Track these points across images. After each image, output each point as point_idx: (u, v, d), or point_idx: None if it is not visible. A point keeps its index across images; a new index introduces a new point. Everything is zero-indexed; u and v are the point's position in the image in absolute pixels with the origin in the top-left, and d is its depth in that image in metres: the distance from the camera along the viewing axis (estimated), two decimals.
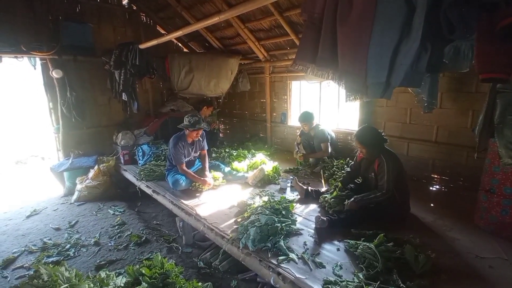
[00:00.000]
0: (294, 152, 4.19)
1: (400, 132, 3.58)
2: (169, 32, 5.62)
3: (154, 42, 3.59)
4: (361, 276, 1.71)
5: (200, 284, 1.80)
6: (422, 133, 3.40)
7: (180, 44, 5.95)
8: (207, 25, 3.37)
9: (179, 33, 3.25)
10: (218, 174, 3.48)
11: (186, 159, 3.45)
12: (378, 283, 1.64)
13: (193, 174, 3.39)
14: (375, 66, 1.25)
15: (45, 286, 1.23)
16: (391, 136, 3.62)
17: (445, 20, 1.16)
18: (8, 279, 2.63)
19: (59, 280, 1.29)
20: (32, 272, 2.61)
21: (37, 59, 4.37)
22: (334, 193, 2.68)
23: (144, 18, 5.34)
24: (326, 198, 2.69)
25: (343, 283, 1.67)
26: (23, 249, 3.08)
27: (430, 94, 2.66)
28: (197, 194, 3.22)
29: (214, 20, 2.83)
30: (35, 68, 4.43)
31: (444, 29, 1.19)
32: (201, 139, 3.61)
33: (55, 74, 4.30)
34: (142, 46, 3.86)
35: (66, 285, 1.32)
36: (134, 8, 5.18)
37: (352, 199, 2.43)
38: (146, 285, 1.53)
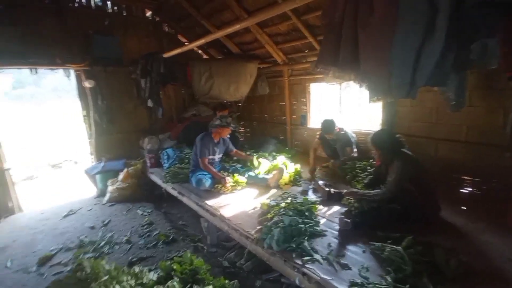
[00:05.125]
0: (329, 162, 3.96)
1: (427, 133, 3.46)
2: (190, 40, 5.85)
3: (177, 51, 3.77)
4: (389, 279, 1.69)
5: (227, 281, 1.87)
6: (451, 133, 3.27)
7: (200, 51, 6.15)
8: (228, 33, 3.48)
9: (201, 42, 3.40)
10: (242, 179, 3.56)
11: (209, 157, 3.61)
12: (408, 286, 1.61)
13: (215, 171, 3.55)
14: (399, 67, 1.26)
15: (87, 278, 1.36)
16: (417, 136, 3.53)
17: (468, 20, 1.15)
18: (45, 276, 2.78)
19: (100, 272, 1.41)
20: (69, 269, 2.84)
21: (71, 71, 4.72)
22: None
23: (167, 28, 5.60)
24: (350, 201, 2.68)
25: (370, 285, 1.67)
26: (60, 246, 3.31)
27: (458, 92, 2.55)
28: (220, 196, 3.32)
29: (235, 28, 2.94)
30: (69, 79, 4.80)
31: (467, 29, 1.17)
32: (226, 141, 3.78)
33: (88, 84, 4.63)
34: (166, 55, 4.06)
35: (107, 276, 1.44)
36: (157, 19, 5.45)
37: (354, 189, 2.44)
38: (178, 279, 1.63)
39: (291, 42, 4.56)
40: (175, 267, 1.71)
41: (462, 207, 2.73)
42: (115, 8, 4.94)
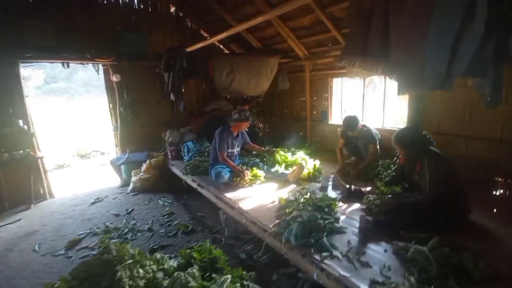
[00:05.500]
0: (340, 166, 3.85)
1: (458, 130, 3.27)
2: (212, 35, 5.90)
3: (200, 45, 3.82)
4: (412, 279, 1.63)
5: (244, 272, 1.89)
6: (484, 131, 3.07)
7: (221, 46, 6.20)
8: (249, 26, 3.47)
9: (223, 35, 3.42)
10: (260, 173, 3.57)
11: (228, 150, 3.67)
12: (432, 287, 1.55)
13: (233, 164, 3.60)
14: (434, 56, 1.18)
15: (114, 260, 1.43)
16: (447, 134, 3.34)
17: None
18: (72, 259, 2.94)
19: (125, 256, 1.48)
20: (95, 252, 2.99)
21: (100, 65, 4.95)
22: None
23: (189, 23, 5.69)
24: (370, 199, 2.60)
25: (392, 284, 1.61)
26: (88, 231, 3.51)
27: (494, 87, 2.37)
28: (238, 190, 3.35)
29: (257, 20, 2.92)
30: (98, 73, 5.03)
31: (509, 15, 1.08)
32: (244, 135, 3.86)
33: (115, 78, 4.83)
34: (189, 49, 4.13)
35: (131, 260, 1.51)
36: (181, 14, 5.55)
37: (390, 196, 2.33)
38: (197, 267, 1.67)
39: (313, 36, 4.47)
40: (195, 255, 1.76)
41: (494, 210, 2.56)
42: (142, 5, 5.09)
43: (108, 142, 9.62)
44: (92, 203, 4.43)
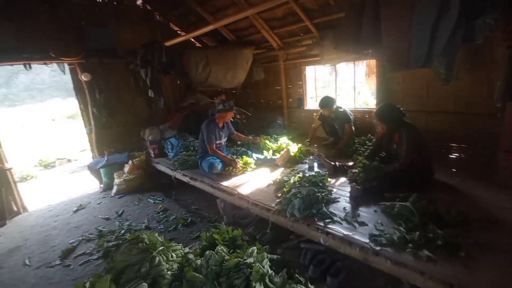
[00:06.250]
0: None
1: (419, 106, 3.77)
2: (183, 28, 5.81)
3: (178, 40, 3.81)
4: (402, 229, 1.97)
5: (260, 246, 2.08)
6: (440, 105, 3.59)
7: (193, 40, 6.12)
8: (230, 22, 3.55)
9: (203, 30, 3.45)
10: (251, 160, 3.75)
11: (216, 141, 3.76)
12: (418, 233, 1.89)
13: (224, 154, 3.71)
14: (417, 40, 1.47)
15: (148, 247, 1.52)
16: (409, 111, 3.77)
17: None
18: (72, 267, 2.87)
19: (157, 243, 1.58)
20: (95, 257, 2.96)
21: (66, 64, 4.63)
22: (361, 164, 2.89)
23: (159, 16, 5.52)
24: (355, 171, 2.92)
25: (387, 235, 1.94)
26: (80, 238, 3.41)
27: (448, 66, 2.83)
28: (232, 178, 3.49)
29: (237, 17, 3.02)
30: (64, 73, 4.70)
31: (477, 6, 1.39)
32: (229, 125, 3.98)
33: (84, 77, 4.57)
34: (167, 44, 4.07)
35: (163, 247, 1.61)
36: (149, 8, 5.36)
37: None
38: (222, 246, 1.82)
39: (287, 27, 4.67)
40: (216, 236, 1.90)
41: (453, 169, 3.07)
42: None
43: (74, 148, 9.02)
44: (75, 211, 4.24)
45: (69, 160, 7.99)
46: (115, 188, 4.66)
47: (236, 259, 1.56)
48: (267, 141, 4.15)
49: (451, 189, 2.61)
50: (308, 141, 4.33)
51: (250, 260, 1.59)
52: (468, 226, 1.99)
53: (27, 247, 3.38)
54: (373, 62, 4.50)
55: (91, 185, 5.26)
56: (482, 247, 1.75)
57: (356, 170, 2.94)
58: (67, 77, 4.82)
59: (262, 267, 1.57)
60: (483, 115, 3.22)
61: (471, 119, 3.36)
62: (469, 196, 2.44)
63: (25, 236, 3.66)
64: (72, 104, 16.22)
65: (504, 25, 1.43)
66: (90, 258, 2.98)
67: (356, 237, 1.99)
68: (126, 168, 4.70)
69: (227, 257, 1.61)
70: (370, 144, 3.42)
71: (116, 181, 4.66)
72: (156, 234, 1.69)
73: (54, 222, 4.01)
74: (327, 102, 4.02)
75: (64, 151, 8.70)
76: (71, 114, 15.71)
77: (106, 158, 4.85)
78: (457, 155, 3.53)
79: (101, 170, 4.87)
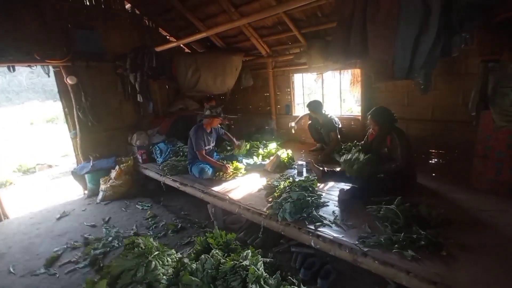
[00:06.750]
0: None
1: (400, 114, 3.92)
2: (171, 33, 5.82)
3: (169, 46, 3.83)
4: (388, 230, 2.08)
5: (253, 249, 2.12)
6: (420, 113, 3.81)
7: (182, 45, 6.13)
8: (222, 30, 3.62)
9: (195, 37, 3.50)
10: (241, 165, 3.79)
11: (205, 147, 3.78)
12: (403, 234, 2.01)
13: (213, 160, 3.73)
14: (401, 54, 1.59)
15: (144, 252, 1.52)
16: None
17: (456, 18, 1.51)
18: (57, 275, 2.78)
19: (152, 248, 1.58)
20: (82, 266, 2.88)
21: (50, 67, 4.51)
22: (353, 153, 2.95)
23: (147, 21, 5.50)
24: (347, 158, 2.88)
25: (374, 237, 2.04)
26: (64, 246, 3.30)
27: (426, 78, 3.03)
28: (222, 183, 3.51)
29: (229, 26, 3.10)
30: (49, 76, 4.57)
31: (455, 24, 1.54)
32: (217, 129, 4.05)
33: (70, 80, 4.46)
34: (158, 49, 4.07)
35: (158, 251, 1.61)
36: (138, 12, 5.34)
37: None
38: (217, 250, 1.84)
39: (275, 35, 4.81)
40: (210, 241, 1.92)
41: (433, 174, 3.26)
42: (93, 1, 4.75)
43: (54, 153, 8.67)
44: (59, 218, 4.09)
45: (50, 166, 7.66)
46: (101, 194, 4.54)
47: (232, 262, 1.59)
48: (245, 147, 4.23)
49: (432, 193, 2.77)
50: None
51: (246, 262, 1.63)
52: (448, 227, 2.13)
53: (11, 254, 3.25)
54: (357, 71, 4.70)
55: (74, 191, 5.08)
56: (462, 247, 1.89)
57: (348, 156, 2.92)
58: (46, 79, 4.71)
59: (257, 270, 1.61)
60: (460, 122, 3.45)
61: (449, 126, 3.58)
62: (449, 199, 2.61)
63: (8, 243, 3.51)
64: (51, 107, 15.67)
65: (479, 41, 1.59)
66: (76, 266, 2.90)
67: (345, 239, 2.07)
68: (113, 173, 4.60)
69: (222, 260, 1.64)
70: (359, 146, 3.53)
71: (102, 187, 4.54)
72: (151, 239, 1.69)
73: (36, 230, 3.84)
74: (315, 106, 4.18)
75: (44, 156, 8.35)
76: (50, 117, 15.11)
77: (91, 164, 4.72)
78: (436, 160, 3.74)
79: (86, 176, 4.73)
